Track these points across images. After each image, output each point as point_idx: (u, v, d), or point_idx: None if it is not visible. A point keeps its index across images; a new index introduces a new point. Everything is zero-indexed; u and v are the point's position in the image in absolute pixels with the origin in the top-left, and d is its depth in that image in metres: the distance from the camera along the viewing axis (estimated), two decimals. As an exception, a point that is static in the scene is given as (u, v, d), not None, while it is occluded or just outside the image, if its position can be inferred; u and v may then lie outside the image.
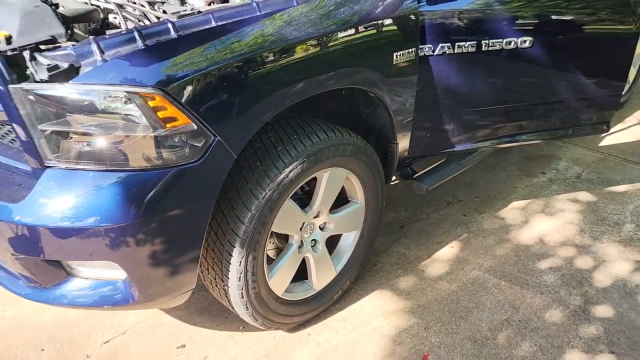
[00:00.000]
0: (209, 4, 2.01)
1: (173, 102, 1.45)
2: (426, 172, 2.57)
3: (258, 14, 1.67)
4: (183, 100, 1.46)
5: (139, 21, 1.95)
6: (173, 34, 1.54)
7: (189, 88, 1.47)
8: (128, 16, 1.95)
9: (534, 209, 2.94)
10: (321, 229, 2.10)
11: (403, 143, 2.25)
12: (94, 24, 2.03)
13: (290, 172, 1.76)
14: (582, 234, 2.70)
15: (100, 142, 1.47)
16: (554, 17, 2.31)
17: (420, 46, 2.06)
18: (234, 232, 1.72)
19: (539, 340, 2.06)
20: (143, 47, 1.48)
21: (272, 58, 1.62)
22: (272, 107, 1.66)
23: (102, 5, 1.86)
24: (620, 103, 3.84)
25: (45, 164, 1.50)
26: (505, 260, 2.52)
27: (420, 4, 2.02)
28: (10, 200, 1.52)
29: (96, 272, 1.63)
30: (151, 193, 1.50)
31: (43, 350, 2.03)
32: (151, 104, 1.44)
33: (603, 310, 2.20)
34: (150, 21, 1.89)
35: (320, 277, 2.13)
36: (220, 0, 2.06)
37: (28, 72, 1.44)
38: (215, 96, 1.52)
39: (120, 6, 1.94)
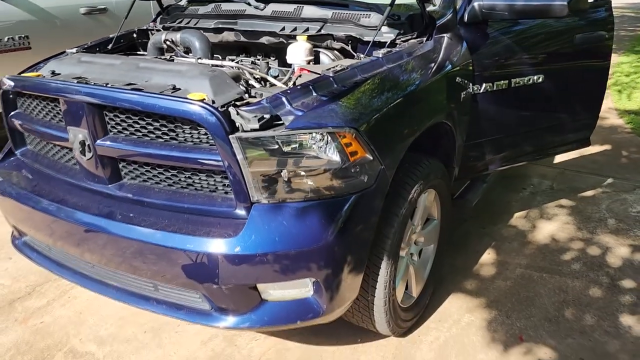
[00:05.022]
0: (308, 63, 2.37)
1: (359, 138, 1.79)
2: (462, 192, 3.06)
3: (385, 67, 2.07)
4: (365, 136, 1.81)
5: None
6: (336, 86, 1.89)
7: (368, 126, 1.82)
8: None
9: (534, 216, 3.52)
10: (415, 243, 2.46)
11: (457, 167, 2.71)
12: None
13: (414, 192, 2.14)
14: (581, 230, 3.31)
15: (299, 178, 1.75)
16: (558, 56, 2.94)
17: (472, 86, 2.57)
18: (381, 246, 2.04)
19: (595, 312, 2.56)
20: (325, 97, 1.82)
21: (410, 99, 2.03)
22: (408, 139, 2.05)
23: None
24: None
25: (252, 201, 1.75)
26: (536, 257, 3.04)
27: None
28: (224, 236, 1.73)
29: (286, 293, 1.86)
30: (340, 216, 1.80)
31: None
32: (344, 141, 1.76)
33: (628, 283, 2.77)
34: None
35: (417, 285, 2.48)
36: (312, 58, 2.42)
37: (237, 124, 1.71)
38: (382, 131, 1.89)
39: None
